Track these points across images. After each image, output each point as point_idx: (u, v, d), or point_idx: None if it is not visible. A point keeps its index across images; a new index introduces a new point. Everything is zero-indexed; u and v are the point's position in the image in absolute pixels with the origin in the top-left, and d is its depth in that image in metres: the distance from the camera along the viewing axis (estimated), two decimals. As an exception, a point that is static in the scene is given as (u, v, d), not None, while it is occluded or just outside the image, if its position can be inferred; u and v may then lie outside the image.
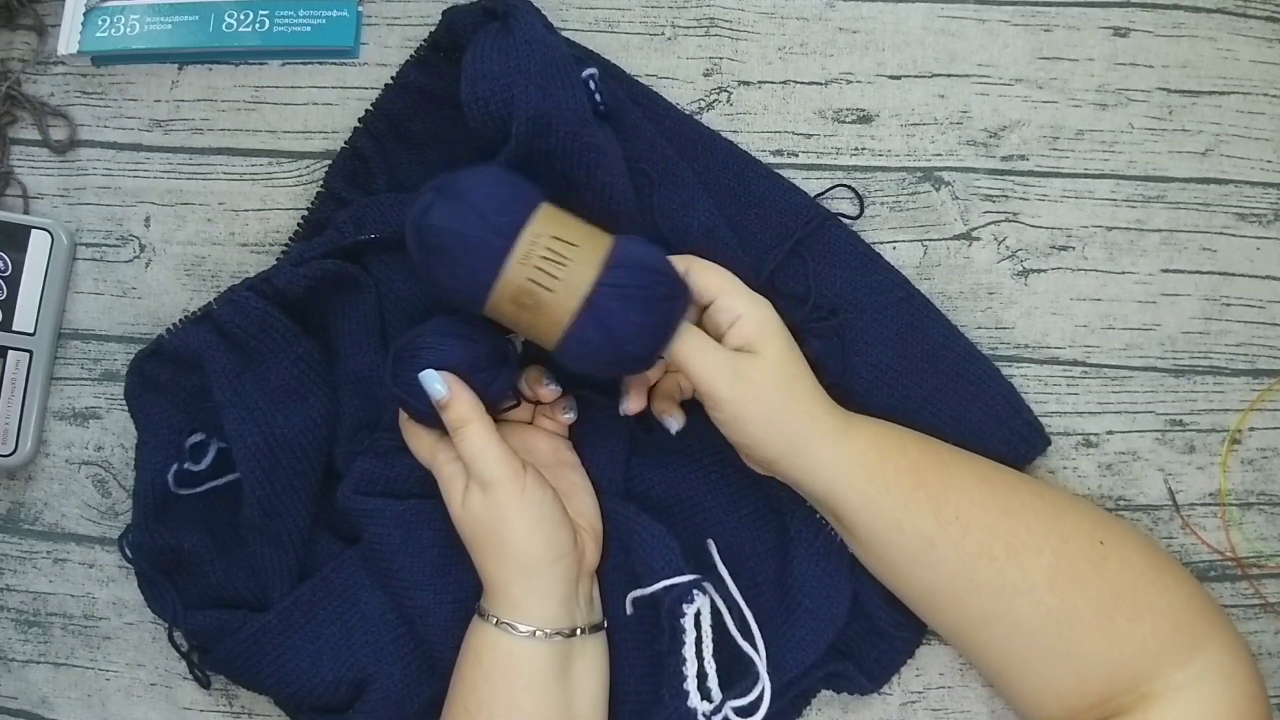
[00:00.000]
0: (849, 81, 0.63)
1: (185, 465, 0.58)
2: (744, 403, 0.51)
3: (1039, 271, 0.62)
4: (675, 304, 0.51)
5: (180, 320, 0.58)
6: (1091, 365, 0.61)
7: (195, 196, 0.64)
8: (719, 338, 0.53)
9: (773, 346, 0.52)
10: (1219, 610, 0.51)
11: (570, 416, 0.58)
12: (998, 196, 0.62)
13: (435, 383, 0.52)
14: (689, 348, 0.51)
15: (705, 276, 0.53)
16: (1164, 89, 0.62)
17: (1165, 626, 0.49)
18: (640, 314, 0.50)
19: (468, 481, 0.53)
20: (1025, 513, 0.51)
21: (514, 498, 0.51)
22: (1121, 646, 0.49)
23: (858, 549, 0.55)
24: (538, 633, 0.51)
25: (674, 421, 0.56)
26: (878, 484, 0.52)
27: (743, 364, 0.51)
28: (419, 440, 0.55)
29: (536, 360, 0.58)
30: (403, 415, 0.56)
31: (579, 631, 0.53)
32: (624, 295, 0.50)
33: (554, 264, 0.49)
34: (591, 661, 0.54)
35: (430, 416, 0.53)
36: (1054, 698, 0.50)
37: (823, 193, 0.62)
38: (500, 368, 0.54)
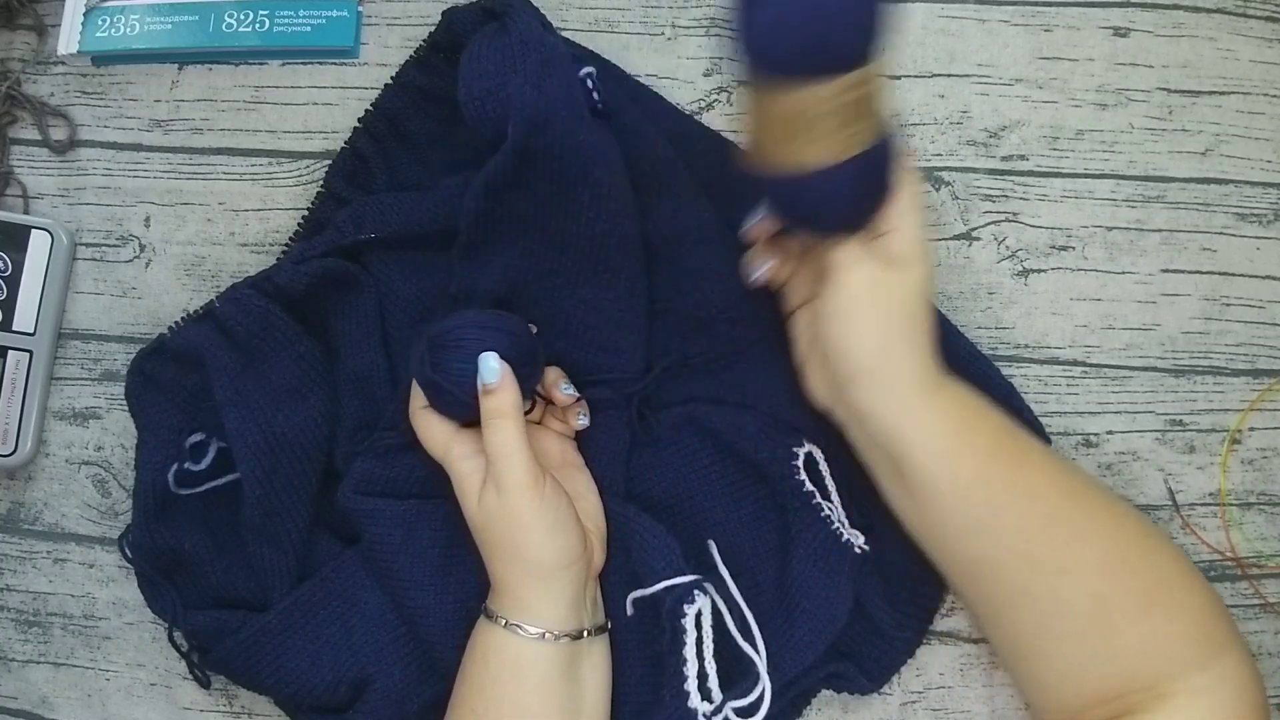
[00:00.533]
0: (849, 81, 0.63)
1: (185, 465, 0.58)
2: (866, 304, 0.49)
3: (1039, 271, 0.62)
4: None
5: (182, 318, 0.59)
6: (1091, 365, 0.61)
7: (195, 196, 0.64)
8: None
9: (919, 270, 0.49)
10: (1232, 618, 0.52)
11: (584, 422, 0.57)
12: (998, 196, 0.62)
13: (494, 364, 0.51)
14: None
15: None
16: (1164, 89, 0.62)
17: (1195, 628, 0.49)
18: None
19: (484, 480, 0.52)
20: (1087, 497, 0.51)
21: (533, 506, 0.50)
22: (1154, 641, 0.49)
23: (907, 505, 0.53)
24: (547, 634, 0.51)
25: (759, 269, 0.54)
26: (955, 449, 0.50)
27: (890, 271, 0.49)
28: (434, 433, 0.54)
29: (555, 363, 0.58)
30: (415, 407, 0.55)
31: (586, 633, 0.53)
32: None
33: (864, 107, 0.45)
34: (597, 662, 0.54)
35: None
36: (1072, 685, 0.50)
37: (823, 193, 0.62)
38: (535, 365, 0.53)
